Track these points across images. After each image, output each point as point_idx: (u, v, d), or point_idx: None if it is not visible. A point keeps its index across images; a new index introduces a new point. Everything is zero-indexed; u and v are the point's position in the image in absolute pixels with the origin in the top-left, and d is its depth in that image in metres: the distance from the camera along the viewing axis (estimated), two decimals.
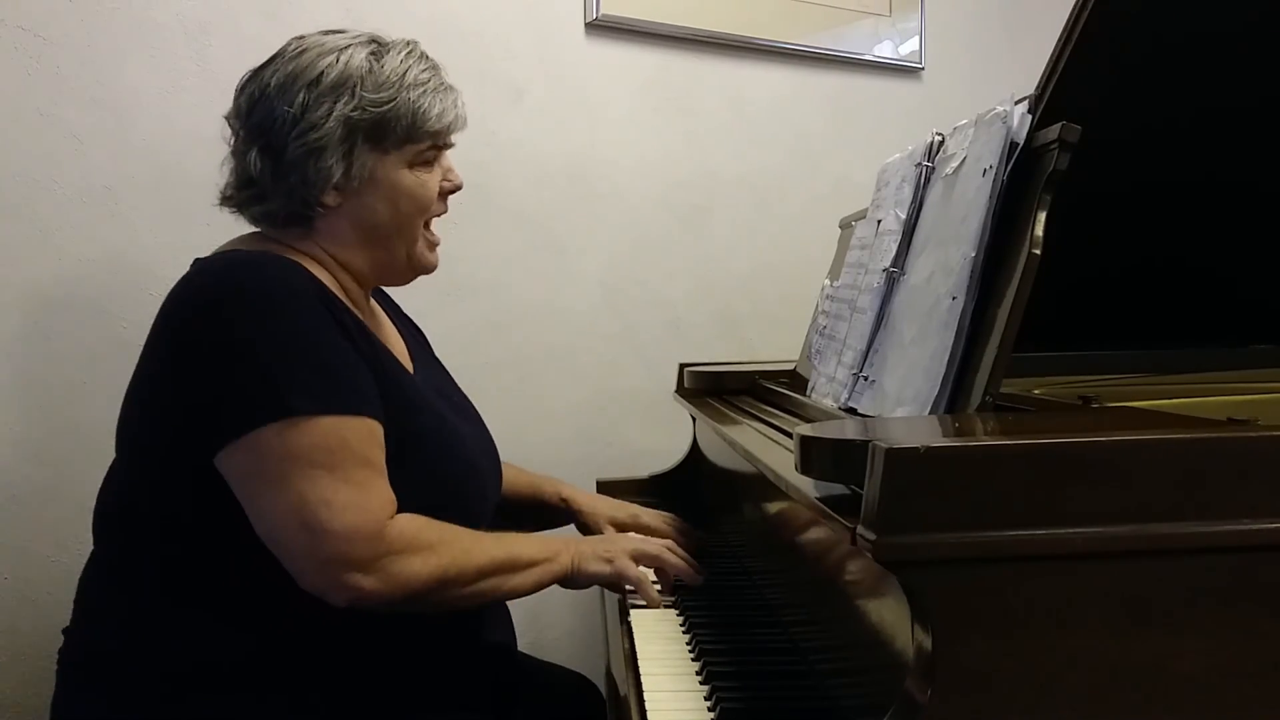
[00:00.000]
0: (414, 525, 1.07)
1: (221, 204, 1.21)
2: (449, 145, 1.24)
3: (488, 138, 1.95)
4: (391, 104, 1.15)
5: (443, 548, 1.08)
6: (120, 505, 1.15)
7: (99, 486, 1.18)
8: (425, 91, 1.17)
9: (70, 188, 1.61)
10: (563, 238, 2.05)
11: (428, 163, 1.20)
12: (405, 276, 1.26)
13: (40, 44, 1.58)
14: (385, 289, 1.40)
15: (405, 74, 1.16)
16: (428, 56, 1.21)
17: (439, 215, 1.25)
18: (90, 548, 1.18)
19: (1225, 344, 1.36)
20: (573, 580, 1.19)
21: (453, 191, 1.25)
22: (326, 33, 1.19)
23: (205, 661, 1.08)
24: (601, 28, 2.04)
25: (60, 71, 1.59)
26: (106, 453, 1.17)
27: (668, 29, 2.09)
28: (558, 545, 1.19)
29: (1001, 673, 0.69)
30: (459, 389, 1.37)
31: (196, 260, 1.18)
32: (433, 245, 1.25)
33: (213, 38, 1.69)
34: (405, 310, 1.44)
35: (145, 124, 1.65)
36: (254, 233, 1.21)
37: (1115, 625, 0.69)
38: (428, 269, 1.26)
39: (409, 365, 1.26)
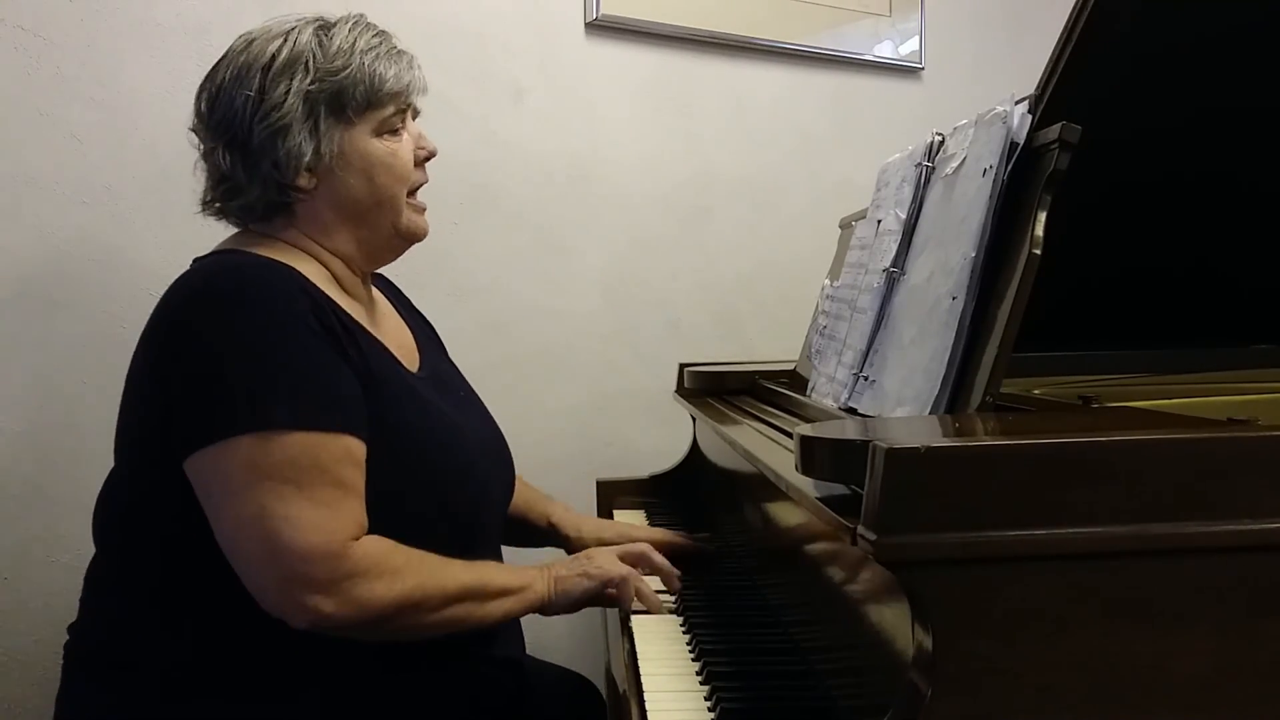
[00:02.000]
0: (380, 548, 1.05)
1: (202, 210, 1.21)
2: (413, 110, 1.23)
3: (488, 138, 1.95)
4: (346, 70, 1.15)
5: (409, 572, 1.05)
6: (117, 509, 1.15)
7: (99, 487, 1.18)
8: (378, 56, 1.17)
9: (70, 188, 1.61)
10: (563, 238, 2.05)
11: (395, 131, 1.19)
12: (397, 249, 1.25)
13: (40, 44, 1.58)
14: (390, 280, 1.40)
15: (355, 42, 1.17)
16: (375, 25, 1.21)
17: (421, 184, 1.24)
18: (93, 546, 1.18)
19: (1225, 344, 1.36)
20: (553, 605, 1.18)
21: (428, 158, 1.24)
22: (271, 21, 1.19)
23: (205, 664, 1.08)
24: (601, 28, 2.04)
25: (60, 71, 1.59)
26: (106, 453, 1.17)
27: (668, 29, 2.09)
28: (532, 574, 1.18)
29: (1001, 672, 0.69)
30: (468, 386, 1.36)
31: (196, 260, 1.19)
32: (419, 210, 1.24)
33: (213, 38, 1.68)
34: (409, 300, 1.43)
35: (145, 124, 1.65)
36: (246, 230, 1.21)
37: (1115, 625, 0.69)
38: (419, 236, 1.24)
39: (412, 360, 1.25)
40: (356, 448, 1.06)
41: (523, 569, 1.19)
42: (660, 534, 1.48)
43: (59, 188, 1.60)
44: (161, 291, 1.12)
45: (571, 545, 1.47)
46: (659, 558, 1.26)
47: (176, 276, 1.14)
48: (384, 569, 1.04)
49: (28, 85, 1.57)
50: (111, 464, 1.18)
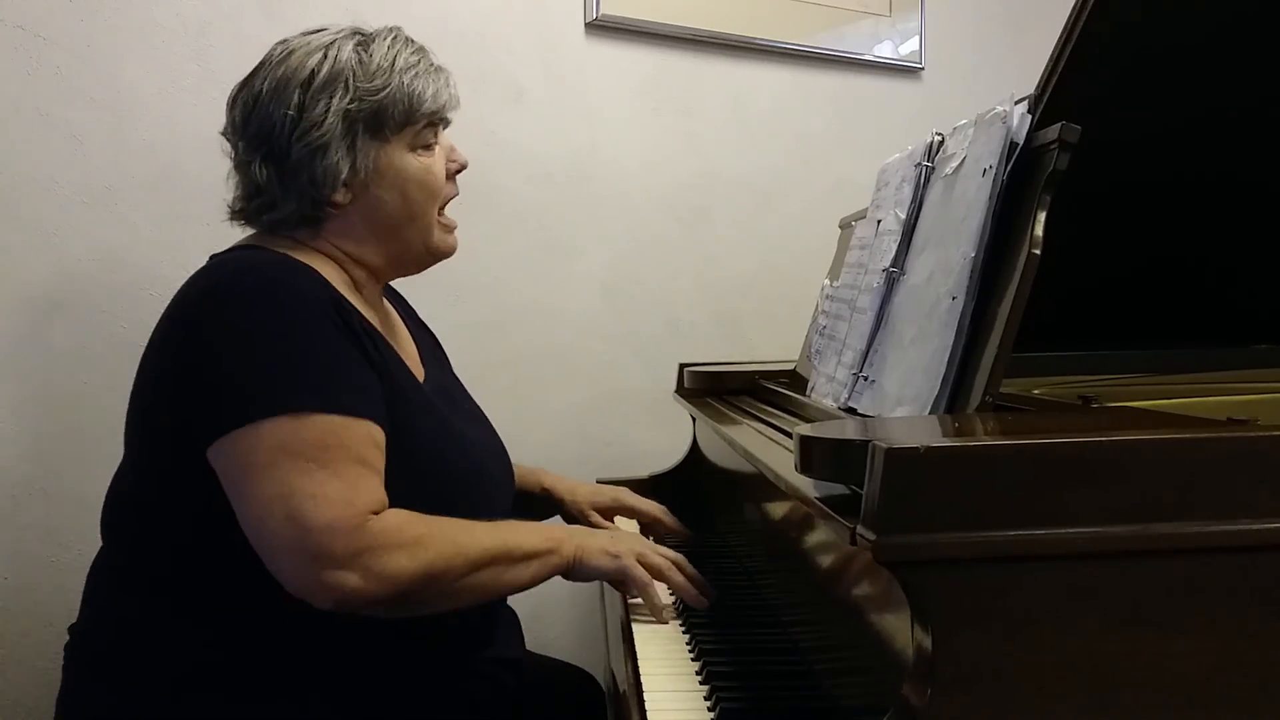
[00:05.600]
0: (399, 519, 1.05)
1: (232, 219, 1.21)
2: (446, 122, 1.24)
3: (488, 138, 1.95)
4: (386, 90, 1.15)
5: (431, 541, 1.05)
6: (126, 503, 1.15)
7: (100, 486, 1.18)
8: (417, 74, 1.18)
9: (70, 188, 1.61)
10: (563, 238, 2.05)
11: (429, 146, 1.21)
12: (424, 264, 1.27)
13: (40, 44, 1.58)
14: (399, 292, 1.40)
15: (395, 60, 1.17)
16: (413, 41, 1.22)
17: (451, 198, 1.25)
18: (94, 546, 1.19)
19: (1225, 344, 1.36)
20: (574, 572, 1.16)
21: (459, 170, 1.26)
22: (309, 32, 1.19)
23: (210, 662, 1.08)
24: (601, 28, 2.04)
25: (60, 71, 1.59)
26: (106, 453, 1.17)
27: (668, 29, 2.09)
28: (560, 535, 1.17)
29: (1001, 673, 0.69)
30: (472, 400, 1.37)
31: (213, 256, 1.19)
32: (449, 229, 1.25)
33: (213, 38, 1.69)
34: (415, 312, 1.43)
35: (145, 124, 1.65)
36: (270, 231, 1.20)
37: (1115, 625, 0.69)
38: (447, 253, 1.26)
39: (419, 370, 1.25)
40: (378, 433, 1.07)
41: (549, 529, 1.18)
42: (650, 508, 1.52)
43: (59, 188, 1.60)
44: (161, 291, 1.12)
45: (566, 508, 1.50)
46: (679, 577, 1.21)
47: (179, 276, 1.13)
48: (404, 540, 1.03)
49: (28, 85, 1.57)
50: (114, 461, 1.18)
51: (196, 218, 1.62)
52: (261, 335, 1.04)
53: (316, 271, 1.13)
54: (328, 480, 1.01)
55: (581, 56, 2.04)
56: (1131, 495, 0.68)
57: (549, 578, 1.15)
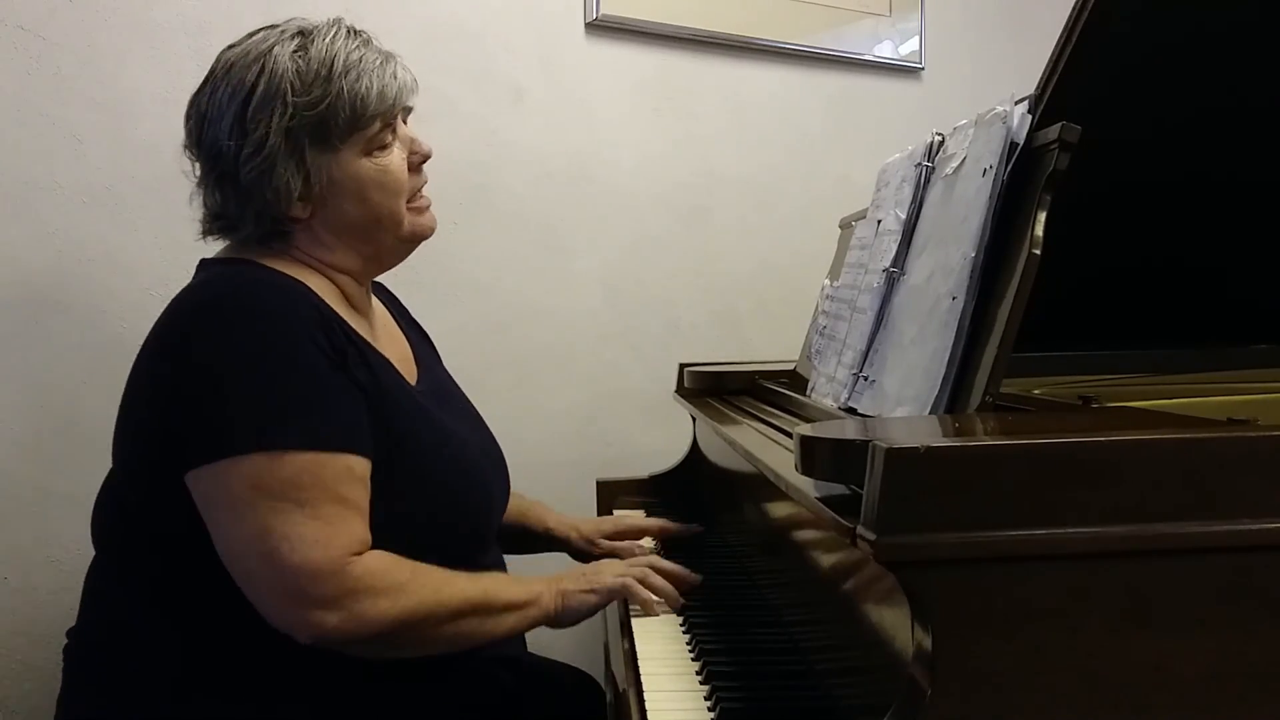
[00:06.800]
0: (382, 564, 1.04)
1: (205, 236, 1.20)
2: (406, 111, 1.19)
3: (488, 138, 1.95)
4: (326, 100, 1.10)
5: (412, 588, 1.05)
6: (114, 512, 1.15)
7: (98, 488, 1.18)
8: (359, 75, 1.12)
9: (70, 188, 1.61)
10: (563, 238, 2.05)
11: (384, 145, 1.16)
12: (404, 252, 1.24)
13: (40, 44, 1.58)
14: (390, 291, 1.40)
15: (333, 63, 1.11)
16: (356, 32, 1.16)
17: (420, 188, 1.21)
18: (92, 548, 1.18)
19: (1225, 344, 1.36)
20: (560, 620, 1.16)
21: (423, 161, 1.21)
22: (252, 34, 1.16)
23: (206, 665, 1.08)
24: (601, 28, 2.04)
25: (60, 71, 1.59)
26: (106, 454, 1.17)
27: (667, 29, 2.09)
28: (539, 587, 1.16)
29: (1001, 672, 0.69)
30: (464, 395, 1.36)
31: (202, 261, 1.18)
32: (422, 210, 1.21)
33: (213, 38, 1.67)
34: (408, 311, 1.43)
35: (145, 124, 1.65)
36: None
37: (1115, 625, 0.69)
38: (425, 235, 1.22)
39: (412, 372, 1.25)
40: (359, 465, 1.06)
41: (529, 581, 1.17)
42: (655, 524, 1.51)
43: (59, 188, 1.60)
44: (161, 292, 1.12)
45: (572, 545, 1.49)
46: (666, 564, 1.24)
47: (179, 277, 1.13)
48: (387, 585, 1.03)
49: (28, 85, 1.57)
50: (110, 465, 1.18)
51: (196, 218, 1.61)
52: (243, 365, 1.03)
53: (305, 285, 1.12)
54: (304, 521, 1.00)
55: (581, 56, 2.04)
56: (1131, 495, 0.68)
57: (529, 629, 1.16)
